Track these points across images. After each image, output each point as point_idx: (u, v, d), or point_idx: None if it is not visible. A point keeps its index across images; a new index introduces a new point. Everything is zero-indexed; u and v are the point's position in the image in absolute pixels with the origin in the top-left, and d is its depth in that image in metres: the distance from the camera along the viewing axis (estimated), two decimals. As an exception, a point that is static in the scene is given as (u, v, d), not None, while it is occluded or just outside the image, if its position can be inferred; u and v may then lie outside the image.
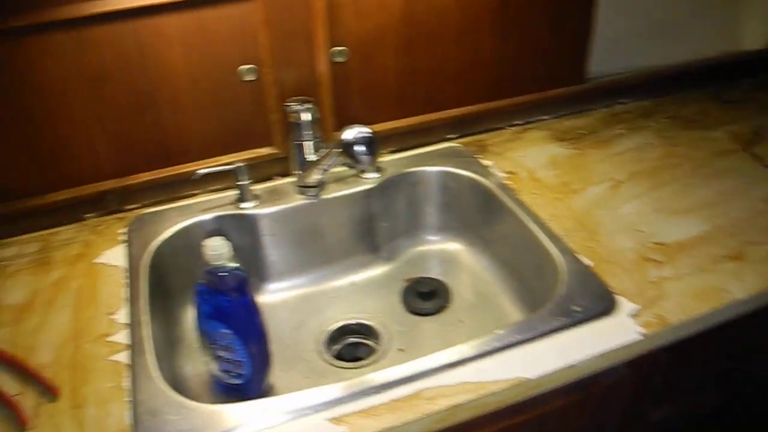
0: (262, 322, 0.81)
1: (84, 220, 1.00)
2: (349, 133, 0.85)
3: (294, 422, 0.66)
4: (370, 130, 0.85)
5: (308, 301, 1.04)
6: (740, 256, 0.88)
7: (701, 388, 1.02)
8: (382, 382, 0.69)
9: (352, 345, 0.98)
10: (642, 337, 0.76)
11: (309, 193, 1.02)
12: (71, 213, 0.99)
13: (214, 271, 0.75)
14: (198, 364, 0.88)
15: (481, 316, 0.99)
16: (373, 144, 0.85)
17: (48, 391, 0.71)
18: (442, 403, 0.67)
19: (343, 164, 0.94)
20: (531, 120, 1.24)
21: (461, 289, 1.04)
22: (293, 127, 0.96)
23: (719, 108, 1.29)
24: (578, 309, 0.78)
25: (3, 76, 0.86)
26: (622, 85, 1.28)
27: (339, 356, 0.95)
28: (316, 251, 1.06)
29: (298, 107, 0.95)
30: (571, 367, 0.72)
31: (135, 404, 0.68)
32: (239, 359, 0.79)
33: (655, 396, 0.93)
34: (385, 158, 1.11)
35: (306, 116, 0.95)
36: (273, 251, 1.04)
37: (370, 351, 0.95)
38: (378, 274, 1.08)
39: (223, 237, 0.74)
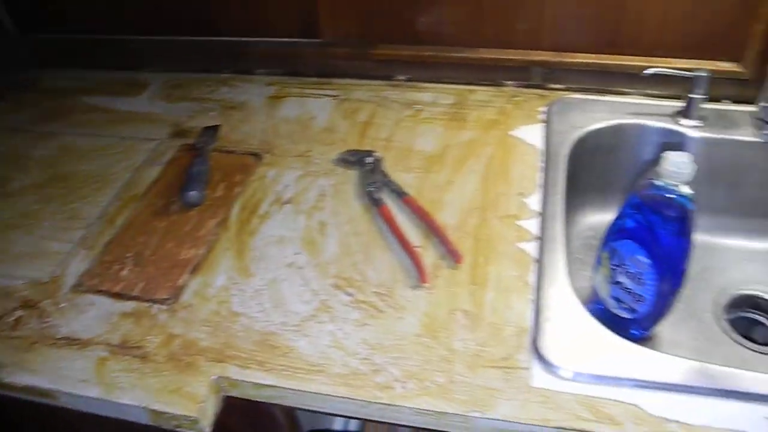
0: (686, 269, 0.74)
1: (502, 86, 1.06)
2: None
3: (716, 402, 0.62)
4: None
5: (713, 253, 0.97)
6: None
7: None
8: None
9: (747, 320, 0.92)
10: None
11: (765, 131, 0.92)
12: (492, 75, 1.06)
13: (661, 189, 0.69)
14: (579, 278, 0.84)
15: None
16: None
17: (450, 256, 0.77)
18: None
19: None
20: None
21: None
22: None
23: None
24: None
25: None
26: None
27: (730, 325, 0.88)
28: (738, 198, 0.97)
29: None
30: None
31: (538, 308, 0.70)
32: (642, 294, 0.74)
33: None
34: None
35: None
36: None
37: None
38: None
39: (689, 155, 0.68)
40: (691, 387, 0.63)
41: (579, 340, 0.66)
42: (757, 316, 0.92)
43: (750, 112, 0.94)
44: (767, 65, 0.89)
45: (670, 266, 0.73)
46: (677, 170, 0.67)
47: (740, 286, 0.93)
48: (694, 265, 0.84)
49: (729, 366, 0.64)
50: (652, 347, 0.75)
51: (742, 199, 0.97)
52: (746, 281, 0.94)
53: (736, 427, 0.60)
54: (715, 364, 0.64)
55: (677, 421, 0.60)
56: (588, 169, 0.95)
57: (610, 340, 0.67)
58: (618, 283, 0.76)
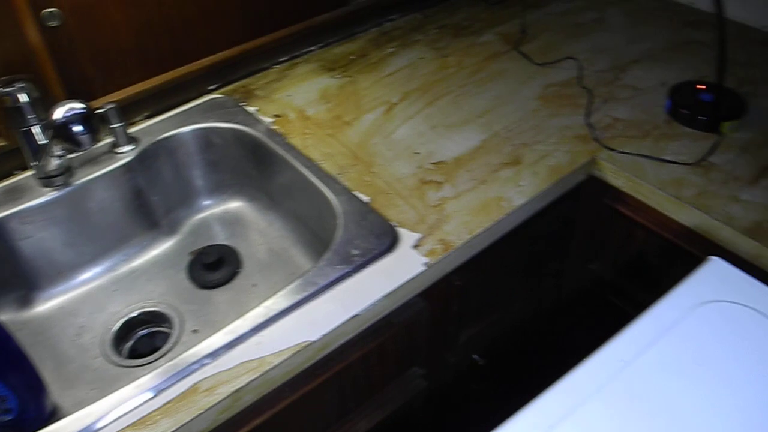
0: (15, 346, 0.77)
1: None
2: (59, 113, 0.78)
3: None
4: (83, 105, 0.78)
5: (87, 302, 1.00)
6: (517, 161, 0.98)
7: (504, 302, 1.12)
8: (153, 384, 0.69)
9: (147, 337, 0.96)
10: (426, 267, 0.81)
11: (56, 183, 0.95)
12: None
13: None
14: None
15: (275, 275, 1.00)
16: (92, 120, 0.78)
17: None
18: (222, 392, 0.69)
19: (62, 149, 0.87)
20: (297, 54, 1.25)
21: (251, 250, 1.06)
22: (13, 113, 0.88)
23: (487, 10, 1.40)
24: (357, 252, 0.82)
25: None
26: (390, 0, 1.32)
27: (134, 352, 0.94)
28: (85, 244, 1.01)
29: (9, 89, 0.86)
30: (355, 317, 0.76)
31: None
32: (1, 394, 0.74)
33: (458, 320, 1.01)
34: (140, 126, 1.07)
35: (23, 97, 0.87)
36: (34, 256, 0.97)
37: (168, 338, 0.94)
38: (161, 253, 1.07)
39: None
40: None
41: None
42: (149, 330, 1.00)
43: (34, 175, 0.98)
44: (13, 131, 0.93)
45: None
46: None
47: (117, 318, 0.99)
48: (73, 323, 0.97)
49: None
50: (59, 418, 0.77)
51: (87, 244, 1.03)
52: (120, 311, 1.01)
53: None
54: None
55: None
56: None
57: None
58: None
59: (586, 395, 0.66)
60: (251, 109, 1.12)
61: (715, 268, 0.80)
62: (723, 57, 1.03)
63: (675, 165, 1.01)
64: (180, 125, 1.08)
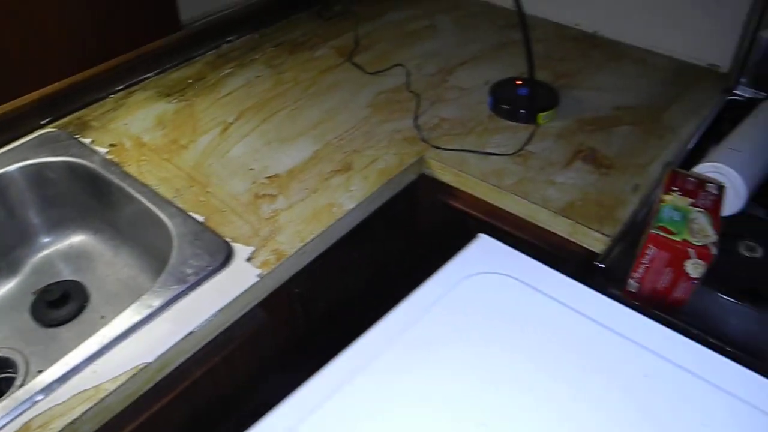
0: None
1: None
2: None
3: None
4: None
5: None
6: (348, 167, 1.04)
7: (355, 304, 1.14)
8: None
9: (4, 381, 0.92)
10: (260, 279, 0.84)
11: None
12: None
13: None
14: None
15: (124, 305, 0.91)
16: None
17: None
18: (56, 426, 0.68)
19: None
20: (133, 82, 1.25)
21: (99, 283, 1.06)
22: None
23: (323, 26, 1.46)
24: (191, 271, 0.84)
25: None
26: (225, 22, 1.36)
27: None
28: None
29: None
30: (191, 333, 0.78)
31: None
32: None
33: (308, 326, 1.04)
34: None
35: None
36: None
37: (13, 382, 0.92)
38: (1, 296, 1.04)
39: None
40: None
41: None
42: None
43: None
44: None
45: None
46: None
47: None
48: None
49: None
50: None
51: None
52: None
53: None
54: None
55: None
56: None
57: None
58: None
59: (343, 380, 0.70)
60: (86, 140, 1.11)
61: (482, 244, 0.87)
62: (530, 52, 1.11)
63: (497, 156, 1.09)
64: (8, 163, 1.06)
